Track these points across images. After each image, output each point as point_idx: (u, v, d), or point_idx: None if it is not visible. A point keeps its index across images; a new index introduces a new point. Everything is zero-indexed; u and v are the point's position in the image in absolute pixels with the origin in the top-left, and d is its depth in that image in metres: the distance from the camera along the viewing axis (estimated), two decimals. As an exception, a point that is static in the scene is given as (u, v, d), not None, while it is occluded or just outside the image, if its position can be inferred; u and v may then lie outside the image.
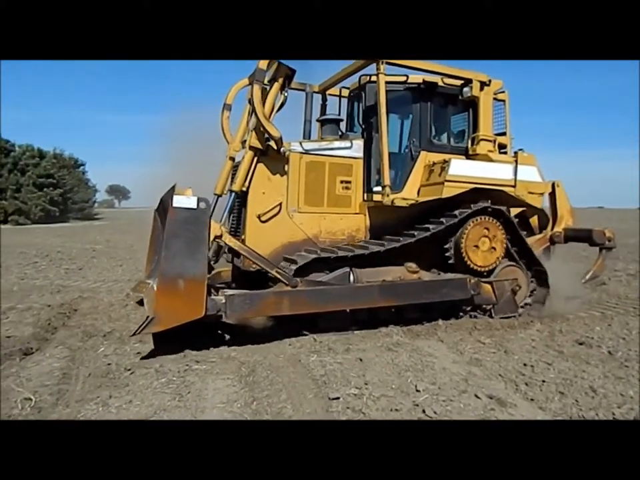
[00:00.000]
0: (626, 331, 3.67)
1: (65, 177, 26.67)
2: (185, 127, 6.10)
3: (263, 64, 3.49)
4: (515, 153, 4.39)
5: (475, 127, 4.34)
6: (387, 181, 3.71)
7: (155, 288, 2.99)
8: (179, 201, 2.93)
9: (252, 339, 3.33)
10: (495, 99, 4.42)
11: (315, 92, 4.82)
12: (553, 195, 4.88)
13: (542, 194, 4.48)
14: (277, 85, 3.59)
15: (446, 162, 3.94)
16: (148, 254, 4.04)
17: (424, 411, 2.17)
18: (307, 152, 3.83)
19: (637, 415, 2.17)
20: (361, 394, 2.34)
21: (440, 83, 4.23)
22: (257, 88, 3.44)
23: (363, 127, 4.31)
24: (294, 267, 3.40)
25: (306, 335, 3.41)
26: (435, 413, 2.15)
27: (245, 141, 3.71)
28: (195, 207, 2.96)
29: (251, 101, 3.54)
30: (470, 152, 4.31)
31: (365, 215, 4.05)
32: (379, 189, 3.89)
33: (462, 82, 4.23)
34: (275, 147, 3.59)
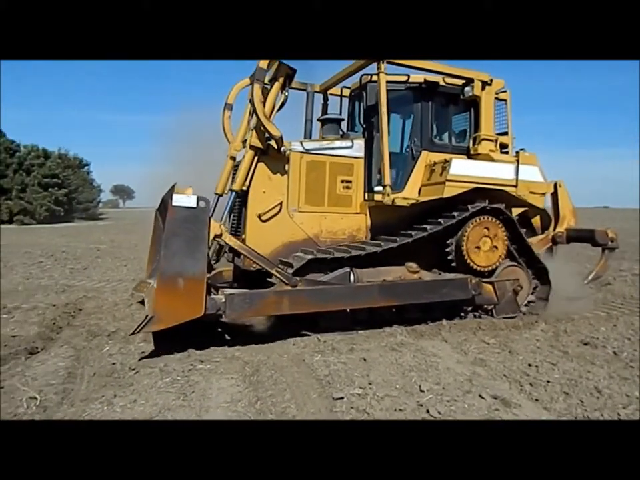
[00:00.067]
0: (631, 332, 3.63)
1: (70, 177, 26.84)
2: (186, 127, 6.13)
3: (263, 63, 3.50)
4: (517, 152, 4.36)
5: (477, 127, 4.32)
6: (387, 181, 3.70)
7: (155, 287, 3.01)
8: (178, 200, 2.94)
9: (256, 339, 3.33)
10: (496, 98, 4.39)
11: (316, 91, 4.82)
12: (555, 194, 4.86)
13: (544, 194, 4.46)
14: (277, 85, 3.59)
15: (447, 162, 3.92)
16: (149, 253, 4.05)
17: (428, 411, 2.16)
18: (307, 151, 3.83)
19: (642, 416, 2.15)
20: (364, 394, 2.34)
21: (441, 83, 4.22)
22: (257, 87, 3.44)
23: (364, 126, 4.30)
24: (291, 270, 3.40)
25: (309, 334, 3.41)
26: (439, 413, 2.14)
27: (246, 140, 3.72)
28: (195, 205, 2.96)
29: (251, 101, 3.55)
30: (471, 152, 4.29)
31: (366, 215, 4.04)
32: (379, 188, 3.88)
33: (463, 81, 4.21)
34: (276, 147, 3.59)
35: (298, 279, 3.35)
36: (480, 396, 2.34)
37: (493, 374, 2.72)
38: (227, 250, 3.74)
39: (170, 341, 3.00)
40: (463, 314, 4.07)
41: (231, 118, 4.16)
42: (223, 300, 3.05)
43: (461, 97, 4.25)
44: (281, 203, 3.74)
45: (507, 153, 4.54)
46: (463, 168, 3.94)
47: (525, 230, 4.27)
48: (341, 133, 4.34)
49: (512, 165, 4.21)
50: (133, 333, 2.86)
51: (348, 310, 3.56)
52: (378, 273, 3.74)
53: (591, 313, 4.32)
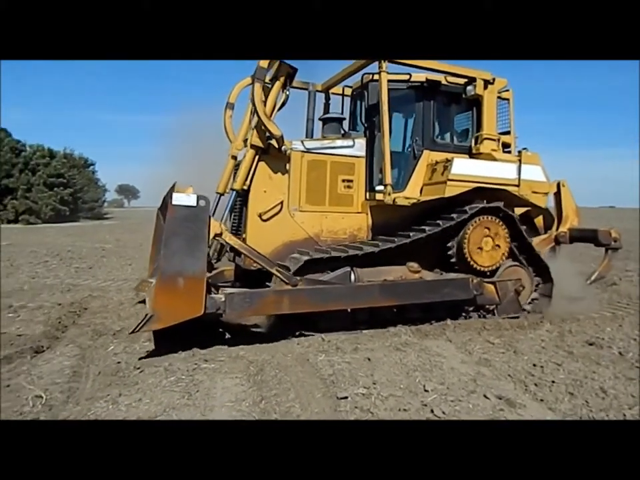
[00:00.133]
0: (637, 332, 3.59)
1: (75, 176, 27.01)
2: (187, 127, 6.15)
3: (264, 62, 3.49)
4: (519, 152, 4.33)
5: (479, 126, 4.29)
6: (388, 180, 3.68)
7: (155, 285, 3.02)
8: (178, 199, 2.94)
9: (260, 338, 3.34)
10: (499, 97, 4.37)
11: (317, 91, 4.82)
12: (558, 194, 4.82)
13: (546, 193, 4.42)
14: (278, 84, 3.60)
15: (449, 161, 3.90)
16: (151, 253, 4.07)
17: (432, 411, 2.15)
18: (308, 150, 3.82)
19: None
20: (369, 393, 2.33)
21: (443, 82, 4.19)
22: (258, 86, 3.44)
23: (366, 125, 4.29)
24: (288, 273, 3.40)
25: (313, 334, 3.40)
26: (443, 413, 2.14)
27: (247, 139, 3.72)
28: (195, 204, 2.97)
29: (252, 100, 3.55)
30: (473, 151, 4.27)
31: (367, 214, 4.03)
32: (381, 188, 3.86)
33: (465, 80, 4.19)
34: (277, 146, 3.59)
35: (298, 278, 3.35)
36: (484, 396, 2.33)
37: (497, 374, 2.70)
38: (228, 249, 3.74)
39: (174, 340, 3.01)
40: (467, 314, 4.04)
41: (233, 117, 4.17)
42: (223, 299, 3.05)
43: (463, 95, 4.23)
44: (281, 202, 3.74)
45: (509, 152, 4.51)
46: (464, 167, 3.92)
47: (525, 227, 4.24)
48: (342, 132, 4.33)
49: (514, 164, 4.18)
50: (133, 332, 2.88)
51: (348, 310, 3.56)
52: (379, 272, 3.73)
53: (596, 313, 4.28)
